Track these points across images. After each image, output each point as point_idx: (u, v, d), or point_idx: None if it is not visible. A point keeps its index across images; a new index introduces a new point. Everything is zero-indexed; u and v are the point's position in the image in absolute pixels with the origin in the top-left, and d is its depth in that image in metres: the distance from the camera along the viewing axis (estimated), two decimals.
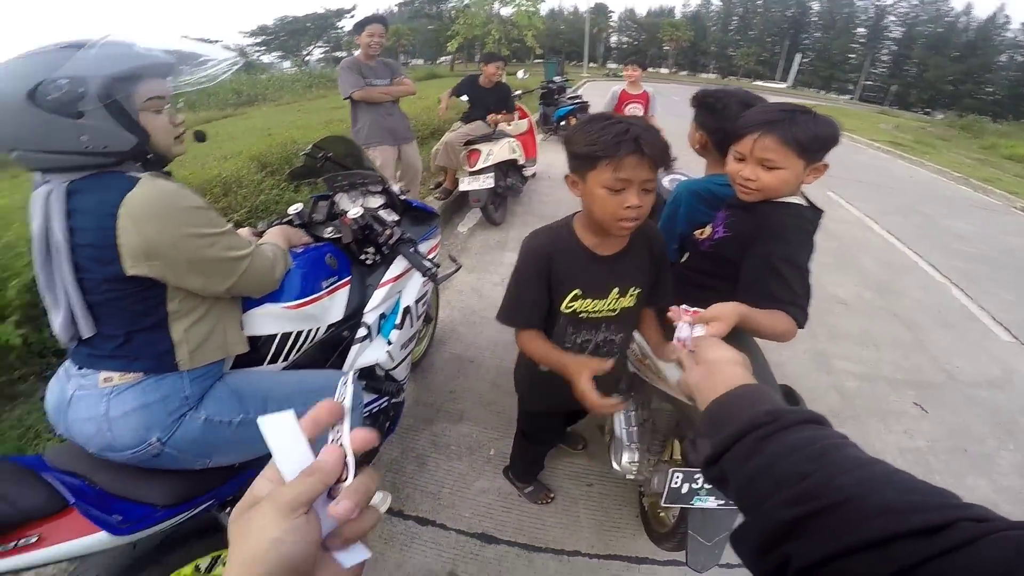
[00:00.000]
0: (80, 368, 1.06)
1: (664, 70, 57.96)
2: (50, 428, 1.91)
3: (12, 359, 2.16)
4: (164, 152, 1.10)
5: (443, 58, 38.63)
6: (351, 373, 0.39)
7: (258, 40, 42.12)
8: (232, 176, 3.71)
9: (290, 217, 1.64)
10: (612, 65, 45.09)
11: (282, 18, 42.00)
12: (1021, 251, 5.53)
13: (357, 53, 3.46)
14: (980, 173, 9.99)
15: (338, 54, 38.98)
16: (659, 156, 1.02)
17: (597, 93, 5.49)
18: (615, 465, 1.66)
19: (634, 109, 4.46)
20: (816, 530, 0.37)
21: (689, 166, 1.96)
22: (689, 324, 0.78)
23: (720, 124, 1.39)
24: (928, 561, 0.31)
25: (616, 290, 1.23)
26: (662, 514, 1.74)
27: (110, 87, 0.95)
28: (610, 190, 1.04)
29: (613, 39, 67.82)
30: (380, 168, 2.14)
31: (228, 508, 1.28)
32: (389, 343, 1.64)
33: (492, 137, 4.32)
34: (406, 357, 1.78)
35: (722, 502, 1.35)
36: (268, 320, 1.28)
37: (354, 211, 1.57)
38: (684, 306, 0.80)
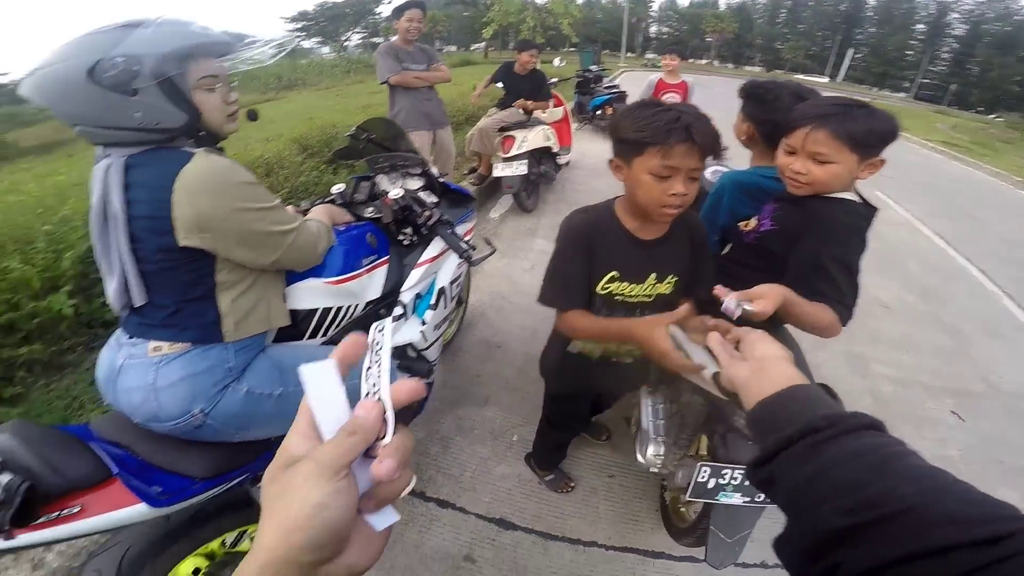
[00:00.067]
0: (131, 337, 1.10)
1: (706, 61, 56.38)
2: (94, 399, 2.00)
3: (63, 329, 2.25)
4: (216, 130, 1.12)
5: (476, 45, 38.48)
6: (389, 318, 0.36)
7: (299, 26, 42.83)
8: (274, 157, 3.83)
9: (332, 196, 1.67)
10: (651, 55, 43.99)
11: (322, 3, 42.56)
12: None
13: (394, 38, 3.47)
14: None
15: (375, 40, 39.29)
16: (709, 145, 1.00)
17: (634, 83, 5.39)
18: (639, 457, 1.65)
19: (671, 99, 4.36)
20: (874, 538, 0.36)
21: (732, 157, 1.92)
22: (736, 299, 0.81)
23: (770, 115, 1.35)
24: (986, 568, 0.31)
25: (654, 275, 1.22)
26: (683, 509, 1.72)
27: (164, 65, 0.97)
28: (656, 177, 1.02)
29: (652, 29, 66.27)
30: None
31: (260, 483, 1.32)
32: (423, 323, 1.67)
33: (527, 124, 4.30)
34: (438, 338, 1.81)
35: (747, 499, 1.33)
36: (310, 294, 1.32)
37: (395, 192, 1.59)
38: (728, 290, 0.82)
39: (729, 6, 63.84)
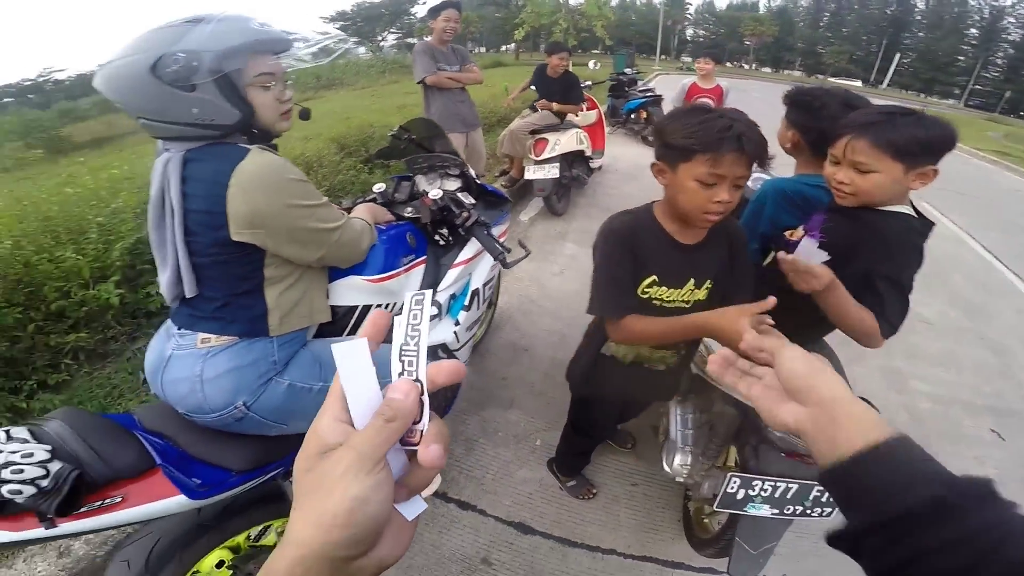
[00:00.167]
0: (180, 328, 1.12)
1: (744, 65, 55.19)
2: (133, 388, 2.06)
3: (108, 318, 2.32)
4: (268, 127, 1.14)
5: (505, 47, 38.44)
6: (428, 291, 0.35)
7: (337, 26, 43.71)
8: (313, 156, 3.92)
9: (374, 195, 1.71)
10: (686, 58, 43.36)
11: (360, 3, 43.36)
12: None
13: (429, 38, 3.44)
14: None
15: (410, 40, 39.78)
16: (758, 154, 1.00)
17: (669, 87, 5.32)
18: (666, 467, 1.64)
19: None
20: None
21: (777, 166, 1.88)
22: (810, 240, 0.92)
23: (816, 123, 1.33)
24: None
25: (692, 281, 1.21)
26: (706, 520, 1.71)
27: (221, 62, 0.98)
28: (702, 184, 1.02)
29: (688, 32, 65.16)
30: None
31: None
32: (457, 323, 1.69)
33: (560, 127, 4.29)
34: (470, 339, 1.82)
35: (776, 511, 1.31)
36: (351, 292, 1.35)
37: (434, 192, 1.62)
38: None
39: (769, 9, 62.36)
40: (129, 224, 2.60)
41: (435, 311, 1.62)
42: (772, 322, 0.81)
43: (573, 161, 4.45)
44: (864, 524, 0.40)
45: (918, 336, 3.29)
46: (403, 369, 0.33)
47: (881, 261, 1.12)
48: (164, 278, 1.09)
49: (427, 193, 1.64)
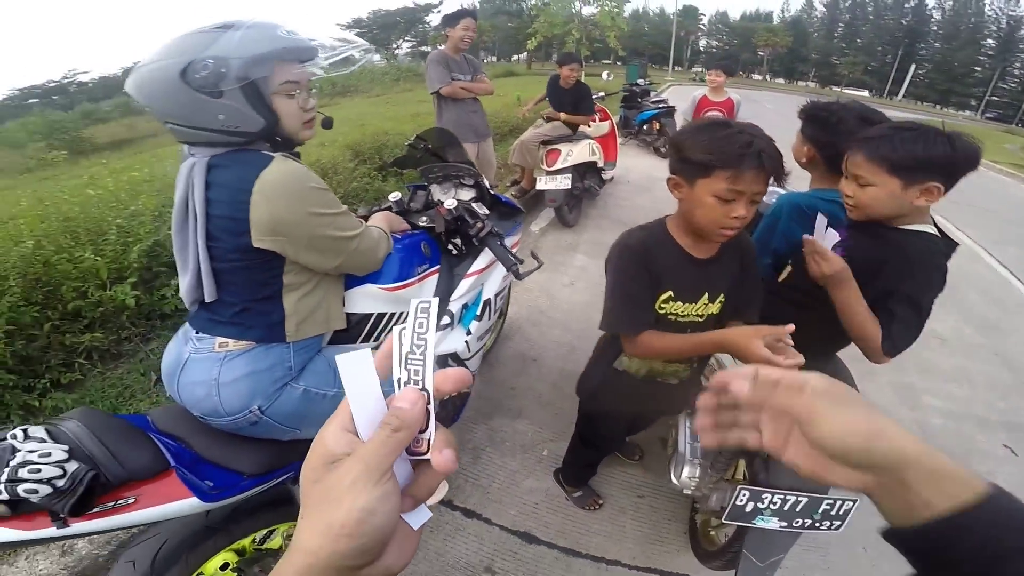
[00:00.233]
0: (198, 332, 1.13)
1: (757, 76, 55.07)
2: (145, 389, 2.08)
3: (123, 319, 2.35)
4: (291, 135, 1.14)
5: (516, 56, 38.61)
6: (435, 299, 0.34)
7: (354, 33, 44.26)
8: (328, 162, 3.96)
9: (389, 204, 1.72)
10: (698, 69, 43.45)
11: (376, 11, 43.93)
12: None
13: (443, 47, 3.41)
14: None
15: (424, 48, 40.21)
16: (776, 170, 1.01)
17: (681, 98, 5.31)
18: (673, 479, 1.63)
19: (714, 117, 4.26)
20: None
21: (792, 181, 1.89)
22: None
23: (832, 138, 1.34)
24: None
25: (707, 295, 1.22)
26: (712, 532, 1.70)
27: (248, 69, 0.99)
28: (720, 199, 1.02)
29: (702, 42, 65.22)
30: None
31: None
32: (468, 333, 1.69)
33: (572, 138, 4.30)
34: (480, 349, 1.83)
35: (784, 524, 1.30)
36: (366, 300, 1.37)
37: (449, 202, 1.63)
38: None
39: (783, 19, 62.26)
40: (147, 227, 2.64)
41: (447, 320, 1.63)
42: (791, 342, 0.82)
43: (585, 172, 4.45)
44: None
45: (931, 352, 3.25)
46: (408, 377, 0.34)
47: (903, 280, 1.12)
48: (184, 282, 1.10)
49: (442, 203, 1.65)
